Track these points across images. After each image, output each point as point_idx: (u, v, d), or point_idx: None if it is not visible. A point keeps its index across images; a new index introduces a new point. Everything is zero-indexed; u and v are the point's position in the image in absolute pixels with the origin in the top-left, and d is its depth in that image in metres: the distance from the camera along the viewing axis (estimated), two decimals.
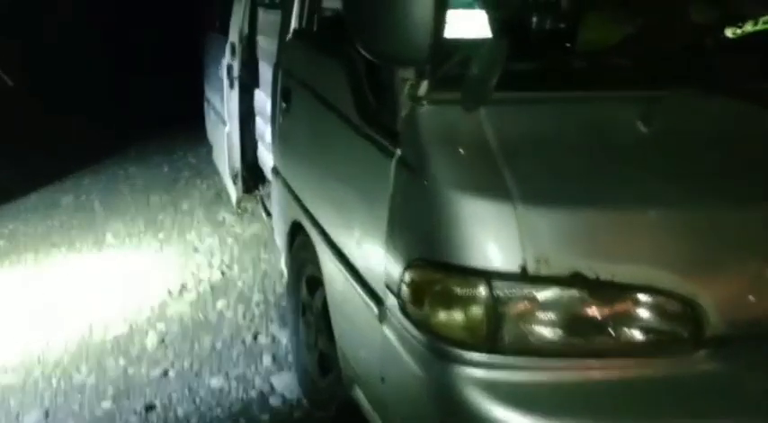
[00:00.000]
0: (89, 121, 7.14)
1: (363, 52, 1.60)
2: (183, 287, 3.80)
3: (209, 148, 6.49)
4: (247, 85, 4.20)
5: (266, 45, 3.89)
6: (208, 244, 4.42)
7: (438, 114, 1.60)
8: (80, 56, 8.36)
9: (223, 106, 4.30)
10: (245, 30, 4.13)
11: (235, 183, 4.32)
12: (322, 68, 2.36)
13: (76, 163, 6.16)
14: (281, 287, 3.72)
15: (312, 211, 2.46)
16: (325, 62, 2.31)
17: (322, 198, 2.33)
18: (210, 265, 4.08)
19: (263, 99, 3.93)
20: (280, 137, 2.89)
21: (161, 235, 4.61)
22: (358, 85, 1.97)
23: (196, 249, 4.35)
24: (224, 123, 4.35)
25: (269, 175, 4.04)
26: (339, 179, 2.13)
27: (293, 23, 2.83)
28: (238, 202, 4.42)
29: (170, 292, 3.74)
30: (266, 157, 4.03)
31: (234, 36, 4.09)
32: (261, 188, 4.42)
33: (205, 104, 5.39)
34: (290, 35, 2.83)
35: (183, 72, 7.86)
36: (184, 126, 7.10)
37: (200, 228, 4.72)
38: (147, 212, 5.05)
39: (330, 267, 2.18)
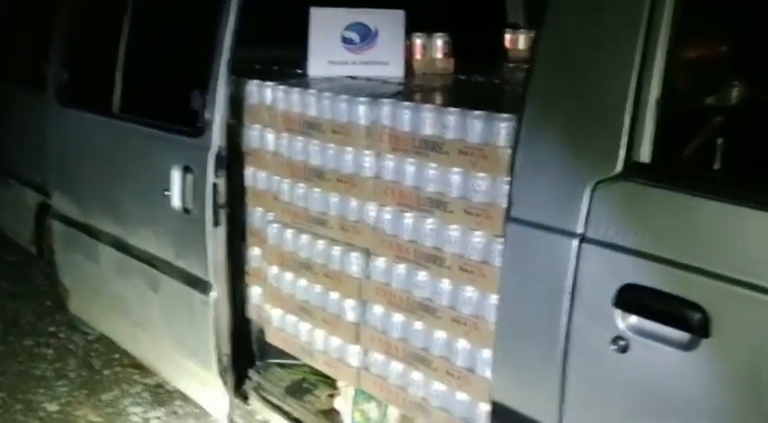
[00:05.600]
0: None
1: None
2: None
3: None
4: (231, 211, 2.46)
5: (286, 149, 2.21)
6: None
7: None
8: None
9: (199, 258, 2.46)
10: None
11: (224, 380, 2.49)
12: None
13: None
14: None
15: None
16: None
17: None
18: None
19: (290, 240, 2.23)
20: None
21: None
22: None
23: None
24: (197, 287, 2.48)
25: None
26: None
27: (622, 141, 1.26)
28: (231, 413, 2.56)
29: None
30: (274, 328, 2.35)
31: (221, 137, 2.30)
32: (256, 374, 2.64)
33: (57, 229, 3.31)
34: (600, 182, 1.27)
35: None
36: None
37: None
38: None
39: None
